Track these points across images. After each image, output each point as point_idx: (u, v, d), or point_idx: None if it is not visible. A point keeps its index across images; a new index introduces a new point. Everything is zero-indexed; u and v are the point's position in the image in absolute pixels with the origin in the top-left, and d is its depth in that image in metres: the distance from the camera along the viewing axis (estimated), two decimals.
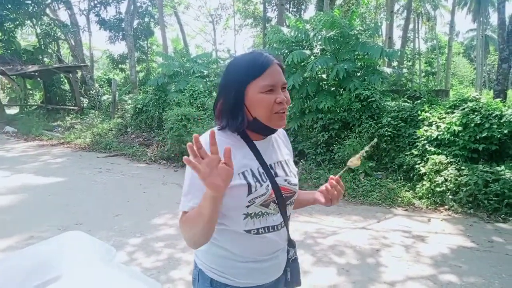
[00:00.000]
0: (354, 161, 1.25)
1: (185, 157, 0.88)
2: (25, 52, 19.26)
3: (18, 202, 5.36)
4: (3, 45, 18.28)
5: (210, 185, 0.89)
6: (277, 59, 1.12)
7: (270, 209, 1.12)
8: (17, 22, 17.38)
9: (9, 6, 15.77)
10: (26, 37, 28.72)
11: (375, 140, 1.55)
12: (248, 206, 1.08)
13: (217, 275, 1.15)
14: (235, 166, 1.06)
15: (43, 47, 19.29)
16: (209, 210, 0.95)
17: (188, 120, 8.14)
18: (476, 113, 5.44)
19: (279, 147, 1.25)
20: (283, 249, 1.23)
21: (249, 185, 1.07)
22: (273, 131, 1.14)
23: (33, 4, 16.53)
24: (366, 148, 1.27)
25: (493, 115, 5.30)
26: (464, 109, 5.63)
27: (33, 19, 17.64)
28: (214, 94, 12.35)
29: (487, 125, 5.23)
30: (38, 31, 18.75)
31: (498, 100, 5.96)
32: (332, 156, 6.66)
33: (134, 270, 1.32)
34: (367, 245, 3.85)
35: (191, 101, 9.93)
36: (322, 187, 1.26)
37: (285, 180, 1.17)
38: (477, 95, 5.98)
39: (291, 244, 1.26)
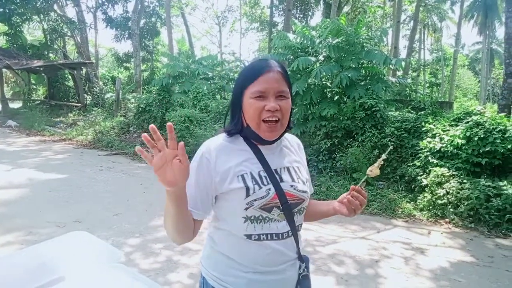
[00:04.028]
0: (374, 170, 1.21)
1: (137, 146, 0.90)
2: (31, 47, 19.32)
3: (18, 197, 5.35)
4: (9, 39, 18.36)
5: (161, 178, 0.90)
6: (280, 67, 1.11)
7: (273, 214, 1.08)
8: (25, 17, 17.47)
9: (17, 1, 15.85)
10: (33, 32, 28.84)
11: (391, 147, 1.54)
12: (246, 209, 1.06)
13: (218, 283, 1.12)
14: (234, 169, 1.08)
15: (49, 43, 19.35)
16: (171, 206, 0.97)
17: (191, 122, 8.17)
18: (480, 127, 5.42)
19: (289, 154, 1.22)
20: (292, 264, 1.15)
21: (247, 188, 1.06)
22: (264, 141, 1.12)
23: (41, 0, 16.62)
24: (384, 156, 1.23)
25: (497, 129, 5.29)
26: (468, 122, 5.62)
27: (41, 14, 17.72)
28: (218, 96, 12.39)
29: (490, 140, 5.21)
30: (45, 26, 18.81)
31: (502, 114, 5.95)
32: (334, 164, 6.65)
33: (137, 273, 1.31)
34: (366, 255, 3.83)
35: (195, 102, 9.96)
36: (343, 198, 1.20)
37: (291, 186, 1.13)
38: (482, 109, 5.97)
39: (301, 258, 1.17)
